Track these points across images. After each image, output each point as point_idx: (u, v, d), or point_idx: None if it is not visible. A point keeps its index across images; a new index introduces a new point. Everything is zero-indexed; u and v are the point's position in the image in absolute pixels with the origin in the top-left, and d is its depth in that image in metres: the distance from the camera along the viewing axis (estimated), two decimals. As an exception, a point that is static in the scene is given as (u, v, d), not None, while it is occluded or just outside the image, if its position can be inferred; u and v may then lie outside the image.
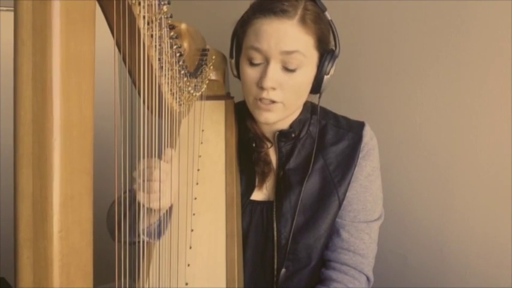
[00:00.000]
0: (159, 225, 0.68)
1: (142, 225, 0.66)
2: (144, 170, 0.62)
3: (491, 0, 0.91)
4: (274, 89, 0.74)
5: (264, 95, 0.75)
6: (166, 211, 0.68)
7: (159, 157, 0.63)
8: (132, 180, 0.63)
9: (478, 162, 0.96)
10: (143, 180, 0.62)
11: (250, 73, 0.76)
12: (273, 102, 0.76)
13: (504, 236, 0.93)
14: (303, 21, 0.72)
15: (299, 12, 0.72)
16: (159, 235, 0.68)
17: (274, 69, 0.73)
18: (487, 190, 0.95)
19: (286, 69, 0.73)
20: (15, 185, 0.33)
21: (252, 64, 0.76)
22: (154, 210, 0.65)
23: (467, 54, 0.96)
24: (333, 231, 0.81)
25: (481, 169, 0.96)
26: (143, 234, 0.67)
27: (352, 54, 1.14)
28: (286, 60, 0.73)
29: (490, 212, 0.95)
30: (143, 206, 0.63)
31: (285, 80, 0.74)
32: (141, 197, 0.62)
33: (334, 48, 0.78)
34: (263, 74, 0.74)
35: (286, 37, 0.72)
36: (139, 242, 0.67)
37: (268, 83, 0.73)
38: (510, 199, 0.92)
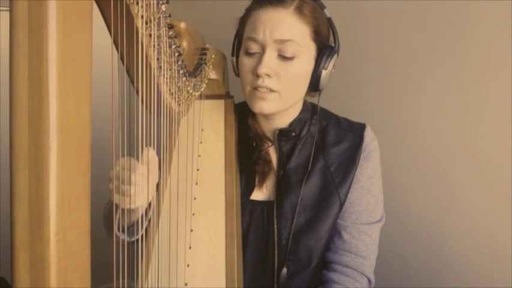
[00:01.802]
0: (136, 223, 0.69)
1: (119, 223, 0.67)
2: (119, 172, 0.62)
3: (491, 0, 0.90)
4: (269, 76, 0.74)
5: (260, 82, 0.74)
6: (146, 210, 0.68)
7: (136, 158, 0.63)
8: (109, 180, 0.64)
9: (478, 162, 0.96)
10: (118, 183, 0.63)
11: (247, 62, 0.76)
12: (269, 91, 0.75)
13: (504, 236, 0.93)
14: (299, 10, 0.73)
15: (296, 2, 0.73)
16: (137, 233, 0.69)
17: (270, 57, 0.74)
18: (487, 190, 0.95)
19: (282, 57, 0.74)
20: (11, 187, 0.33)
21: (248, 54, 0.76)
22: (130, 210, 0.66)
23: (468, 54, 0.96)
24: (334, 233, 0.81)
25: (481, 169, 0.96)
26: (120, 232, 0.68)
27: (352, 55, 1.14)
28: (281, 48, 0.73)
29: (490, 212, 0.95)
30: (118, 206, 0.64)
31: (281, 68, 0.74)
32: (115, 199, 0.64)
33: (333, 45, 0.78)
34: (259, 61, 0.74)
35: (280, 25, 0.72)
36: (135, 241, 0.67)
37: (263, 69, 0.73)
38: (510, 199, 0.91)
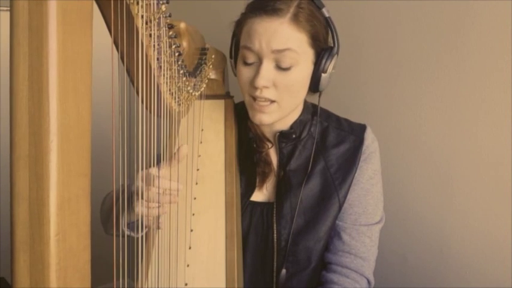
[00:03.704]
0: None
1: (128, 219, 0.68)
2: (147, 185, 0.63)
3: (492, 1, 0.90)
4: (267, 87, 0.74)
5: (258, 93, 0.74)
6: None
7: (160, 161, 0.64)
8: (133, 193, 0.64)
9: (478, 162, 0.96)
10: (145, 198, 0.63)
11: (244, 72, 0.76)
12: (268, 102, 0.75)
13: (504, 236, 0.93)
14: (295, 18, 0.71)
15: (291, 10, 0.71)
16: (143, 230, 0.69)
17: (267, 68, 0.73)
18: (487, 190, 0.95)
19: (280, 67, 0.73)
20: (11, 188, 0.33)
21: (246, 63, 0.75)
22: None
23: (469, 55, 0.96)
24: (334, 234, 0.81)
25: (481, 169, 0.96)
26: (127, 228, 0.69)
27: (353, 55, 1.14)
28: (278, 58, 0.72)
29: (490, 211, 0.95)
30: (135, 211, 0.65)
31: (279, 78, 0.73)
32: (140, 210, 0.64)
33: (332, 45, 0.77)
34: (256, 73, 0.73)
35: (276, 35, 0.71)
36: (135, 240, 0.67)
37: (260, 81, 0.72)
38: (510, 199, 0.91)
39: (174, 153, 0.67)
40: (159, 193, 0.63)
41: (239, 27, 0.78)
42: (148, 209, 0.64)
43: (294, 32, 0.71)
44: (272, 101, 0.75)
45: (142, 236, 0.63)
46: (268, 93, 0.74)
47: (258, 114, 0.77)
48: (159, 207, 0.65)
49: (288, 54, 0.71)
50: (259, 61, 0.74)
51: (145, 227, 0.68)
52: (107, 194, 0.84)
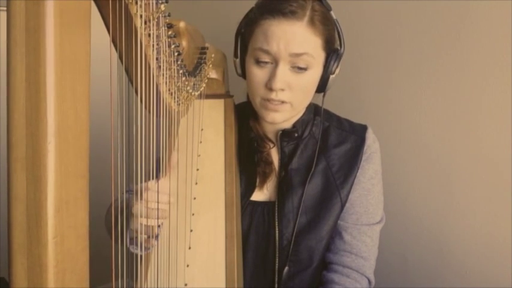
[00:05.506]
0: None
1: (130, 235, 0.66)
2: (144, 199, 0.61)
3: (492, 1, 0.90)
4: (283, 90, 0.74)
5: (273, 96, 0.74)
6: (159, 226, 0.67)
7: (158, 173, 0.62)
8: (131, 211, 0.63)
9: (478, 162, 0.96)
10: (144, 208, 0.61)
11: (258, 74, 0.75)
12: (282, 102, 0.75)
13: (504, 236, 0.92)
14: (311, 22, 0.71)
15: (307, 13, 0.71)
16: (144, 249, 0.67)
17: (283, 70, 0.72)
18: (487, 190, 0.95)
19: (295, 69, 0.73)
20: (8, 190, 0.32)
21: (259, 65, 0.74)
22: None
23: (469, 55, 0.95)
24: (335, 234, 0.81)
25: (481, 169, 0.96)
26: (131, 244, 0.67)
27: (353, 55, 1.13)
28: (295, 61, 0.72)
29: (490, 211, 0.95)
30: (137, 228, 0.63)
31: (294, 80, 0.73)
32: (139, 223, 0.62)
33: (339, 47, 0.77)
34: (272, 75, 0.73)
35: (296, 39, 0.71)
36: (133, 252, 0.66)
37: (277, 84, 0.72)
38: (510, 199, 0.91)
39: (166, 165, 0.66)
40: (158, 208, 0.61)
41: (250, 27, 0.76)
42: (147, 223, 0.62)
43: (311, 35, 0.72)
44: (285, 102, 0.75)
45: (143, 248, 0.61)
46: (283, 96, 0.74)
47: (271, 113, 0.76)
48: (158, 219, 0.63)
49: (304, 57, 0.72)
50: (275, 63, 0.73)
51: (151, 246, 0.66)
52: (110, 205, 0.82)
